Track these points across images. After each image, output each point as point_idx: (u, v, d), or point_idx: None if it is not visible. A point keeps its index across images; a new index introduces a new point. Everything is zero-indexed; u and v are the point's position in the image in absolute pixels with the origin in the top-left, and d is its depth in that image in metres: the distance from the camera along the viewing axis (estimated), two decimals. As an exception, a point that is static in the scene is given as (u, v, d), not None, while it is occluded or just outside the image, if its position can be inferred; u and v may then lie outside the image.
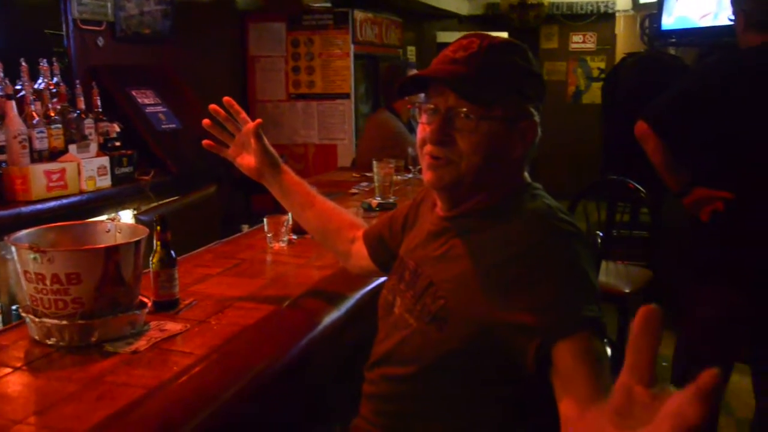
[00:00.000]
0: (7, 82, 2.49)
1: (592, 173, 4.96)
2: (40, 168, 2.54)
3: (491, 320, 1.03)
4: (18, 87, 2.62)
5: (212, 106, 1.45)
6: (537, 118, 1.14)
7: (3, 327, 1.39)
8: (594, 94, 7.72)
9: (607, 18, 7.73)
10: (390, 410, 1.19)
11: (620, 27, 7.62)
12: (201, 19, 4.33)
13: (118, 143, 2.95)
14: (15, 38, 2.99)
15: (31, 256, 1.18)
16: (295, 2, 4.85)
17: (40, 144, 2.59)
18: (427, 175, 1.15)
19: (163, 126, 3.39)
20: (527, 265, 1.02)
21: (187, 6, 4.12)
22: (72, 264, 1.18)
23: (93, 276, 1.20)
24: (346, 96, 4.81)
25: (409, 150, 3.16)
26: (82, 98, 2.83)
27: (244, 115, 1.47)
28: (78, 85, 2.85)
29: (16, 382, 1.12)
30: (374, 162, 2.62)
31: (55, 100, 2.74)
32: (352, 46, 4.77)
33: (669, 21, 4.34)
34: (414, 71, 3.56)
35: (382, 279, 1.44)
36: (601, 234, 3.26)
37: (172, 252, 1.40)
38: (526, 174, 1.19)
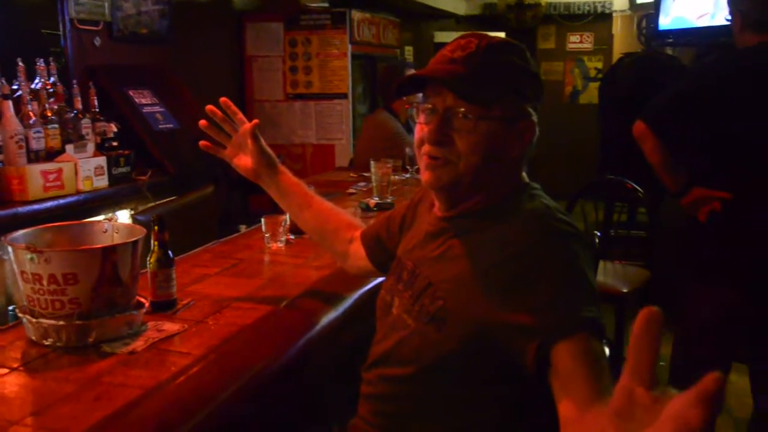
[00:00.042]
0: (4, 81, 2.49)
1: (590, 173, 4.96)
2: (37, 168, 2.53)
3: (490, 321, 1.02)
4: (15, 87, 2.61)
5: (209, 107, 1.44)
6: (535, 118, 1.14)
7: (0, 328, 1.38)
8: (591, 94, 7.73)
9: (604, 18, 7.74)
10: (388, 411, 1.19)
11: (617, 27, 7.63)
12: (198, 18, 4.33)
13: (115, 143, 2.94)
14: (12, 38, 2.98)
15: (28, 256, 1.18)
16: (292, 2, 4.84)
17: (37, 144, 2.58)
18: (425, 176, 1.14)
19: (160, 126, 3.38)
20: (526, 265, 1.02)
21: (185, 6, 4.12)
22: (69, 264, 1.18)
23: (90, 276, 1.19)
24: (344, 96, 4.81)
25: (407, 150, 3.16)
26: (79, 98, 2.82)
27: (240, 115, 1.46)
28: (75, 85, 2.85)
29: (13, 383, 1.11)
30: (372, 162, 2.62)
31: (52, 100, 2.74)
32: (349, 46, 4.77)
33: (666, 21, 4.35)
34: (412, 71, 3.57)
35: (380, 279, 1.44)
36: (598, 234, 3.26)
37: (170, 252, 1.40)
38: (524, 174, 1.19)
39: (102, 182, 2.80)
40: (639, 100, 2.30)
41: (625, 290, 2.79)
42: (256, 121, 1.45)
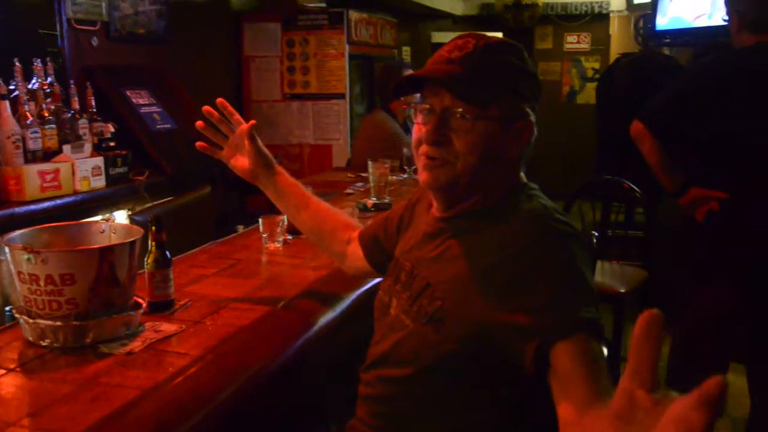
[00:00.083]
0: (1, 82, 2.48)
1: (587, 173, 4.96)
2: (34, 168, 2.53)
3: (488, 321, 1.02)
4: (12, 87, 2.61)
5: (205, 108, 1.44)
6: (533, 118, 1.13)
7: (-4, 328, 1.38)
8: (588, 95, 7.73)
9: (601, 18, 7.75)
10: (386, 412, 1.18)
11: (614, 27, 7.64)
12: (196, 19, 4.32)
13: (112, 143, 2.94)
14: (9, 38, 2.98)
15: (25, 256, 1.17)
16: (290, 2, 4.84)
17: (34, 144, 2.58)
18: (422, 176, 1.14)
19: (157, 126, 3.38)
20: (524, 265, 1.02)
21: (182, 6, 4.11)
22: (66, 265, 1.18)
23: (87, 277, 1.19)
24: (341, 96, 4.81)
25: (405, 150, 3.16)
26: (76, 98, 2.82)
27: (237, 116, 1.46)
28: (72, 85, 2.84)
29: (10, 384, 1.11)
30: (369, 162, 2.62)
31: (49, 100, 2.73)
32: (347, 47, 4.77)
33: (663, 21, 4.35)
34: (409, 71, 3.57)
35: (378, 280, 1.44)
36: (596, 234, 3.26)
37: (167, 252, 1.40)
38: (522, 174, 1.18)
39: (99, 182, 2.80)
40: (636, 100, 2.30)
41: (622, 290, 2.79)
42: (253, 122, 1.45)
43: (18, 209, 2.44)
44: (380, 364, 1.19)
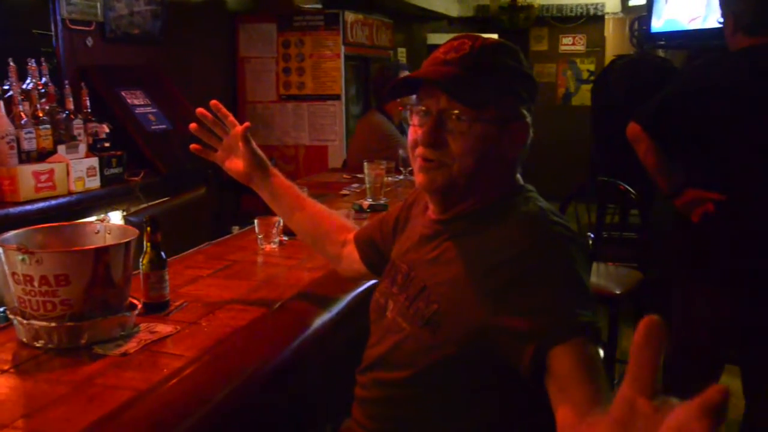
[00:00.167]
0: (-5, 82, 2.48)
1: (582, 175, 4.98)
2: (29, 169, 2.52)
3: (485, 324, 1.02)
4: (6, 87, 2.60)
5: (199, 110, 1.43)
6: (529, 120, 1.13)
7: (-10, 329, 1.38)
8: (584, 96, 7.76)
9: (596, 20, 7.78)
10: (382, 414, 1.18)
11: (609, 29, 7.66)
12: (191, 19, 4.32)
13: (107, 144, 2.93)
14: (3, 38, 2.97)
15: (19, 257, 1.17)
16: (285, 3, 4.84)
17: (29, 145, 2.57)
18: (419, 178, 1.14)
19: (152, 127, 3.37)
20: (521, 268, 1.02)
21: (177, 6, 4.11)
22: (61, 265, 1.18)
23: (82, 277, 1.19)
24: (337, 97, 4.81)
25: (401, 152, 3.16)
26: (71, 99, 2.81)
27: (231, 118, 1.45)
28: (67, 86, 2.83)
29: (3, 385, 1.11)
30: (365, 163, 2.62)
31: (43, 100, 2.72)
32: (342, 48, 4.77)
33: (658, 24, 4.36)
34: (405, 72, 3.58)
35: (373, 281, 1.44)
36: (591, 236, 3.27)
37: (163, 253, 1.39)
38: (518, 176, 1.18)
39: (94, 183, 2.79)
40: (632, 102, 2.31)
41: (618, 292, 2.80)
42: (247, 124, 1.44)
43: (12, 210, 2.43)
44: (377, 367, 1.19)
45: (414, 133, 1.14)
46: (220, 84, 4.75)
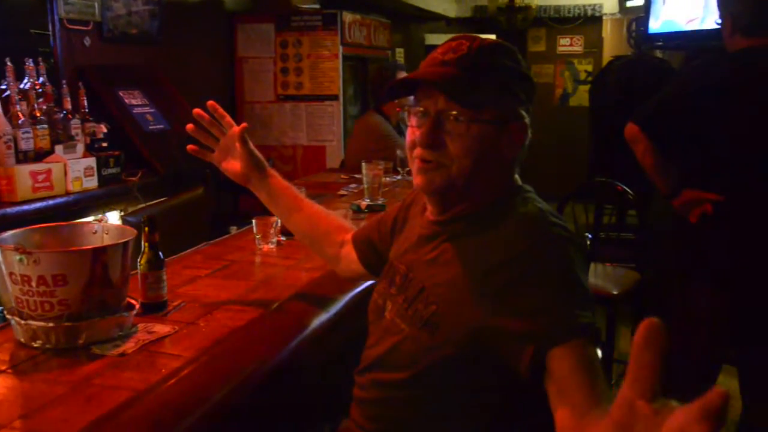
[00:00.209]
0: (-7, 81, 2.47)
1: (580, 175, 4.99)
2: (26, 169, 2.52)
3: (483, 326, 1.02)
4: (3, 87, 2.60)
5: (196, 111, 1.43)
6: (527, 120, 1.13)
7: (-12, 329, 1.37)
8: (581, 97, 7.77)
9: (594, 21, 7.79)
10: (381, 415, 1.18)
11: (607, 30, 7.68)
12: (189, 19, 4.31)
13: (105, 144, 2.93)
14: (0, 38, 2.96)
15: (17, 257, 1.17)
16: (283, 4, 4.84)
17: (26, 144, 2.56)
18: (417, 179, 1.13)
19: (150, 127, 3.37)
20: (520, 269, 1.01)
21: (175, 6, 4.10)
22: (58, 265, 1.17)
23: (80, 277, 1.19)
24: (335, 97, 4.81)
25: (398, 152, 3.17)
26: (68, 98, 2.81)
27: (228, 119, 1.45)
28: (64, 86, 2.83)
29: (1, 386, 1.11)
30: (363, 163, 2.62)
31: (41, 100, 2.72)
32: (340, 48, 4.77)
33: (656, 25, 4.37)
34: (403, 73, 3.58)
35: (371, 281, 1.44)
36: (589, 236, 3.28)
37: (160, 253, 1.39)
38: (517, 176, 1.18)
39: (92, 183, 2.79)
40: (629, 102, 2.31)
41: (615, 292, 2.81)
42: (244, 125, 1.44)
43: (9, 210, 2.43)
44: (375, 368, 1.19)
45: (412, 134, 1.13)
46: (217, 84, 4.75)
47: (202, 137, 1.46)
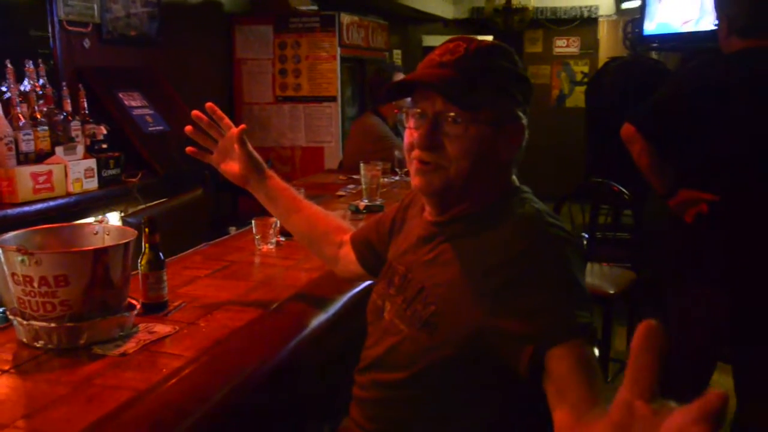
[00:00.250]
0: (-7, 84, 2.48)
1: (576, 176, 5.00)
2: (27, 170, 2.53)
3: (482, 326, 1.02)
4: (3, 89, 2.61)
5: (194, 112, 1.44)
6: (525, 121, 1.13)
7: (-10, 330, 1.38)
8: (578, 98, 7.78)
9: (590, 23, 7.81)
10: (381, 415, 1.19)
11: (603, 32, 7.69)
12: (188, 21, 4.32)
13: (105, 145, 2.94)
14: (0, 40, 2.97)
15: (19, 258, 1.17)
16: (281, 5, 4.85)
17: (27, 146, 2.57)
18: (415, 181, 1.13)
19: (150, 128, 3.38)
20: (518, 270, 1.02)
21: (174, 8, 4.11)
22: (60, 266, 1.18)
23: (81, 278, 1.20)
24: (333, 99, 4.82)
25: (396, 153, 3.18)
26: (68, 100, 2.82)
27: (227, 120, 1.45)
28: (64, 87, 2.84)
29: (4, 386, 1.11)
30: (361, 164, 2.63)
31: (41, 102, 2.73)
32: (338, 49, 4.78)
33: (651, 26, 4.39)
34: (400, 74, 3.59)
35: (370, 282, 1.45)
36: (585, 236, 3.30)
37: (161, 254, 1.40)
38: (514, 177, 1.18)
39: (92, 184, 2.80)
40: (625, 103, 2.33)
41: (611, 292, 2.82)
42: (242, 126, 1.44)
43: (10, 211, 2.44)
44: (375, 368, 1.19)
45: (410, 135, 1.13)
46: (216, 85, 4.76)
47: (200, 139, 1.47)
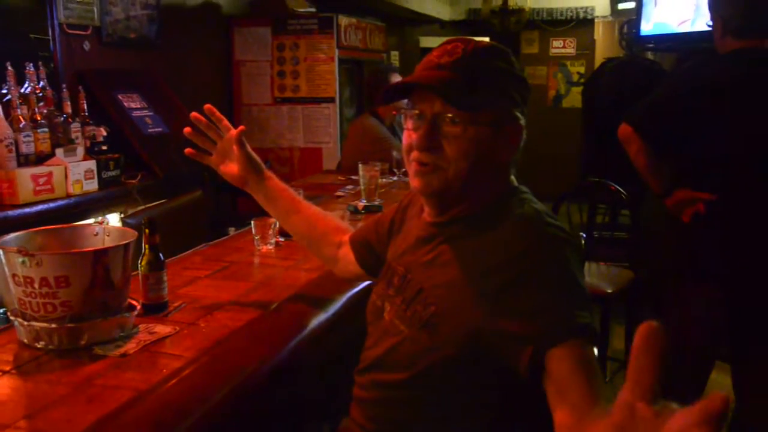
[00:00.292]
0: (-7, 86, 2.49)
1: (573, 176, 5.01)
2: (27, 172, 2.53)
3: (482, 327, 1.02)
4: (4, 91, 2.61)
5: (193, 114, 1.44)
6: (522, 122, 1.14)
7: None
8: (574, 98, 7.80)
9: (586, 24, 7.83)
10: (381, 415, 1.19)
11: (599, 32, 7.71)
12: (187, 23, 4.33)
13: (104, 147, 2.94)
14: (1, 42, 2.98)
15: (20, 259, 1.18)
16: (280, 7, 4.85)
17: (27, 148, 2.58)
18: (414, 182, 1.14)
19: (149, 130, 3.39)
20: (518, 270, 1.02)
21: (173, 11, 4.12)
22: (61, 267, 1.19)
23: (82, 279, 1.20)
24: (331, 100, 4.82)
25: (394, 153, 3.18)
26: (68, 102, 2.82)
27: (226, 122, 1.46)
28: (64, 89, 2.85)
29: (5, 386, 1.12)
30: (360, 165, 2.64)
31: (41, 104, 2.74)
32: (336, 51, 4.78)
33: (647, 27, 4.39)
34: (396, 75, 3.60)
35: (369, 282, 1.45)
36: (583, 235, 3.31)
37: (161, 255, 1.41)
38: (513, 178, 1.18)
39: (92, 186, 2.80)
40: (621, 104, 2.34)
41: (609, 291, 2.83)
42: (241, 127, 1.44)
43: (11, 212, 2.44)
44: (375, 369, 1.19)
45: (409, 137, 1.14)
46: (215, 87, 4.76)
47: (199, 140, 1.47)
